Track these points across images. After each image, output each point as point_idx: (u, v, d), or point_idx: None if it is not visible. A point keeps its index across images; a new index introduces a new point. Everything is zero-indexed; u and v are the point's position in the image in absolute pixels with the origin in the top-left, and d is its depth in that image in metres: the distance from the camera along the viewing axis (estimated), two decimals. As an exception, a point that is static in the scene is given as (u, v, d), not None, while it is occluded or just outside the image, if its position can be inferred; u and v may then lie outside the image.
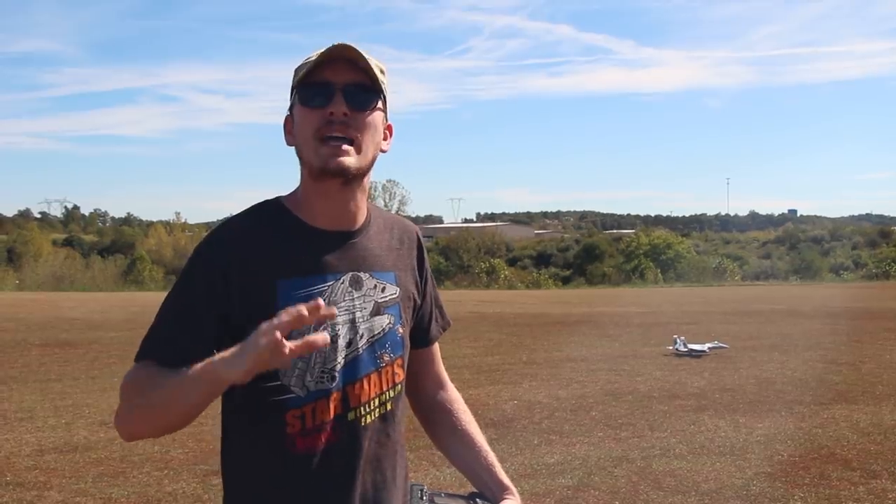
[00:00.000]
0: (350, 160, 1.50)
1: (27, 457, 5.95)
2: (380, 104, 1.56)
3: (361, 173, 1.54)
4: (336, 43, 1.51)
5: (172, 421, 1.48)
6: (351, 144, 1.51)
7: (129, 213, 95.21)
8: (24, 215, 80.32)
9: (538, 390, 8.61)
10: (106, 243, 61.56)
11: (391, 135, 1.64)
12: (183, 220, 66.58)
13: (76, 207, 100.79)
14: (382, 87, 1.56)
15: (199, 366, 1.37)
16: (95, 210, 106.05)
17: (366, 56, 1.52)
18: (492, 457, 1.74)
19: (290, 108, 1.58)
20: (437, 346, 1.86)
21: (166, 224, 63.45)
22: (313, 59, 1.52)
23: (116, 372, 9.81)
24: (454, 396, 1.85)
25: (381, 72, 1.56)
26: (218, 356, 1.35)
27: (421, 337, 1.78)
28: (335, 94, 1.50)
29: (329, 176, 1.51)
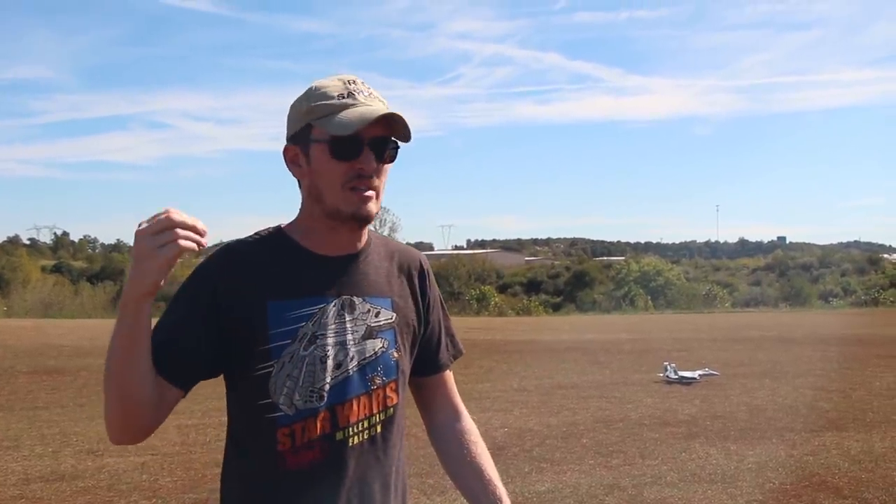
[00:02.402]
0: (374, 207, 1.57)
1: (13, 486, 5.88)
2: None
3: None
4: (371, 106, 1.54)
5: (124, 389, 1.46)
6: (374, 191, 1.57)
7: (118, 240, 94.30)
8: (13, 241, 79.49)
9: (529, 417, 8.58)
10: (95, 270, 61.13)
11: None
12: (173, 247, 66.23)
13: (66, 234, 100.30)
14: (410, 137, 1.59)
15: None
16: (85, 236, 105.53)
17: (402, 116, 1.55)
18: (500, 490, 1.74)
19: (293, 139, 1.60)
20: (449, 373, 1.88)
21: (156, 251, 63.08)
22: (336, 109, 1.53)
23: (104, 399, 9.73)
24: (468, 426, 1.85)
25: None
26: None
27: (430, 363, 1.81)
28: (364, 148, 1.54)
29: (355, 221, 1.57)
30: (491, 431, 7.66)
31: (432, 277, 1.81)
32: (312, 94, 1.57)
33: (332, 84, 1.57)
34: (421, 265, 1.77)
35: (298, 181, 1.62)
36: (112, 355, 1.45)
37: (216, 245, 1.71)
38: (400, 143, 1.59)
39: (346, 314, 1.60)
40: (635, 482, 5.98)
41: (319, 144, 1.55)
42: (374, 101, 1.56)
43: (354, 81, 1.57)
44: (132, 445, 7.21)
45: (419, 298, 1.75)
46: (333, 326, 1.59)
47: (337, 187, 1.54)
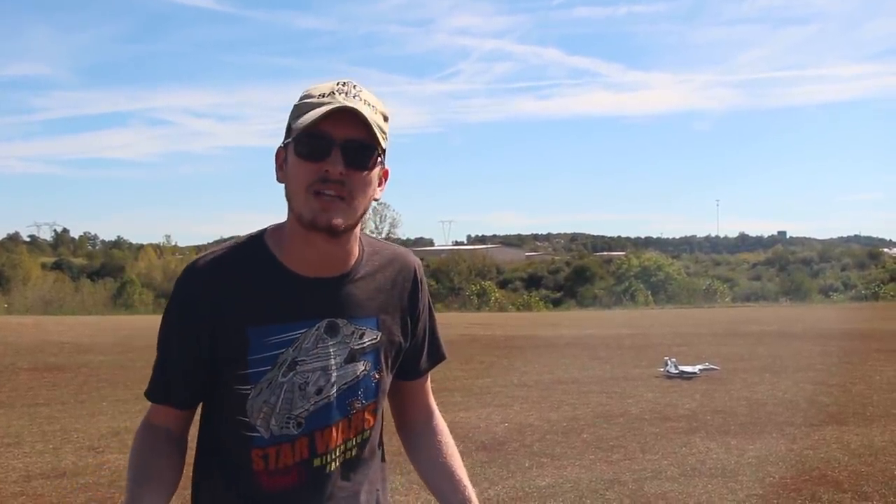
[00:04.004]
0: (340, 219, 1.46)
1: (13, 483, 5.89)
2: (378, 160, 1.51)
3: (351, 227, 1.51)
4: (343, 102, 1.45)
5: None
6: (343, 201, 1.47)
7: (119, 237, 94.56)
8: (13, 238, 79.46)
9: (529, 413, 8.58)
10: (96, 266, 61.24)
11: (386, 180, 1.59)
12: (173, 244, 66.41)
13: (66, 230, 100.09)
14: (383, 143, 1.50)
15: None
16: (85, 233, 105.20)
17: (370, 114, 1.46)
18: (469, 491, 1.72)
19: (285, 143, 1.53)
20: (427, 377, 1.84)
21: (156, 247, 63.31)
22: (314, 98, 1.47)
23: (105, 396, 9.74)
24: (440, 427, 1.83)
25: (385, 119, 1.52)
26: None
27: (411, 371, 1.77)
28: (333, 149, 1.44)
29: (317, 230, 1.47)
30: (491, 427, 7.67)
31: (425, 285, 1.75)
32: (301, 96, 1.52)
33: (320, 86, 1.50)
34: (415, 275, 1.71)
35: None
36: None
37: (210, 244, 1.70)
38: (381, 146, 1.50)
39: (328, 338, 1.56)
40: (636, 477, 5.99)
41: (291, 147, 1.48)
42: (356, 103, 1.46)
43: (346, 83, 1.49)
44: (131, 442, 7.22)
45: (408, 312, 1.69)
46: (315, 351, 1.55)
47: (301, 191, 1.46)
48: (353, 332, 1.58)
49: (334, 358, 1.56)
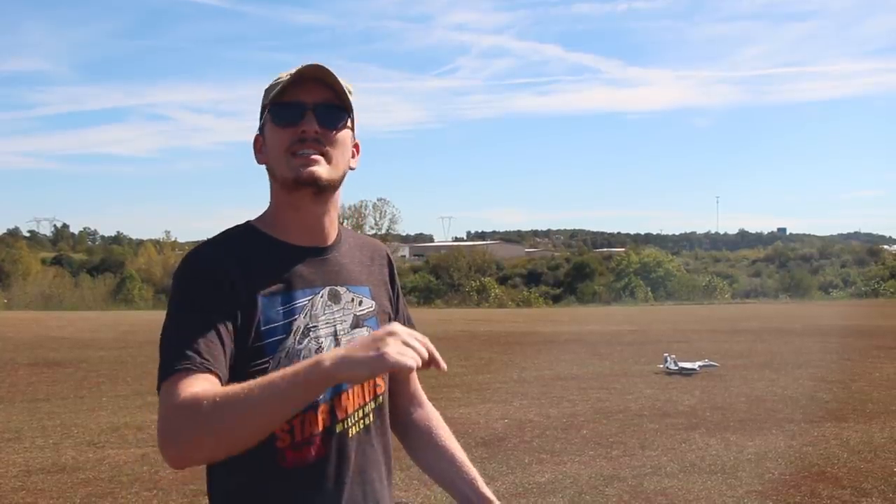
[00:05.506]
0: (321, 170, 1.53)
1: (14, 478, 5.90)
2: (349, 122, 1.61)
3: (333, 185, 1.57)
4: (306, 64, 1.55)
5: (253, 433, 1.32)
6: (322, 156, 1.54)
7: (118, 232, 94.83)
8: (13, 234, 79.32)
9: (529, 409, 8.59)
10: (95, 262, 61.21)
11: (358, 153, 1.68)
12: (173, 239, 66.48)
13: (65, 226, 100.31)
14: (351, 104, 1.59)
15: (298, 367, 1.28)
16: (85, 229, 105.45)
17: (336, 75, 1.56)
18: (473, 471, 1.74)
19: (261, 128, 1.62)
20: None
21: (156, 243, 63.43)
22: (284, 79, 1.56)
23: (105, 392, 9.75)
24: (431, 413, 1.85)
25: (349, 92, 1.60)
26: (326, 356, 1.26)
27: None
28: (306, 113, 1.54)
29: (301, 186, 1.53)
30: (491, 423, 7.67)
31: (395, 269, 1.83)
32: (272, 82, 1.60)
33: (290, 71, 1.59)
34: (387, 255, 1.80)
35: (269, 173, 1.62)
36: (259, 411, 1.29)
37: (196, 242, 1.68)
38: (349, 107, 1.59)
39: (332, 304, 1.60)
40: (635, 473, 5.99)
41: (268, 119, 1.58)
42: (320, 68, 1.56)
43: (313, 64, 1.56)
44: (132, 437, 7.25)
45: (389, 287, 1.76)
46: (324, 318, 1.58)
47: (282, 155, 1.54)
48: (352, 300, 1.64)
49: (340, 324, 1.60)
